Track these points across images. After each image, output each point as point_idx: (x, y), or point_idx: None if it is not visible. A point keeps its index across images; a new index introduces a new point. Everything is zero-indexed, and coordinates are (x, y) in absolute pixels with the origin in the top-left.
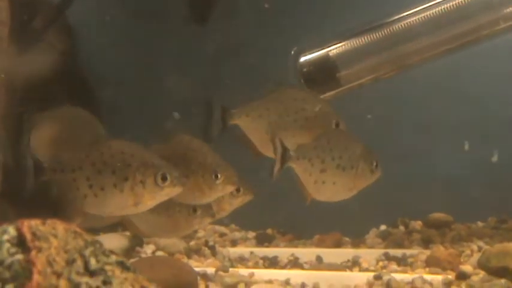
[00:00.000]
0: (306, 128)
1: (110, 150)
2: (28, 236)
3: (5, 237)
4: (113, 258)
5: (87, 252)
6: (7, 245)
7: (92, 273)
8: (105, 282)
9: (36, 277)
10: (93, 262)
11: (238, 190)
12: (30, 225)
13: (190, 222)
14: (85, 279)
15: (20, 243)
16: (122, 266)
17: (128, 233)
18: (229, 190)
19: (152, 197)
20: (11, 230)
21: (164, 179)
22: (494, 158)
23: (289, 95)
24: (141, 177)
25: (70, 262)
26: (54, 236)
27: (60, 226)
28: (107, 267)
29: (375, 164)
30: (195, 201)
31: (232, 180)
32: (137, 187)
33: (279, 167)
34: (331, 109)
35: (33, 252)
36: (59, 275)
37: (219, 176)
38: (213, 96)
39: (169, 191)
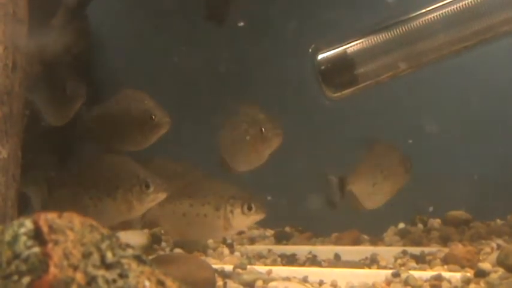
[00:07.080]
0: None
1: (103, 163)
2: (45, 229)
3: (22, 230)
4: (130, 251)
5: (103, 245)
6: (24, 238)
7: (108, 266)
8: (121, 275)
9: (52, 270)
10: (109, 255)
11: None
12: (46, 218)
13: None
14: (101, 272)
15: (37, 236)
16: (139, 259)
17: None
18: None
19: (141, 204)
20: (28, 223)
21: (148, 187)
22: None
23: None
24: (130, 187)
25: (86, 255)
26: (70, 229)
27: (76, 219)
28: (124, 261)
29: (409, 165)
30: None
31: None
32: (127, 195)
33: (340, 195)
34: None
35: (50, 245)
36: (75, 268)
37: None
38: (328, 168)
39: (154, 197)
